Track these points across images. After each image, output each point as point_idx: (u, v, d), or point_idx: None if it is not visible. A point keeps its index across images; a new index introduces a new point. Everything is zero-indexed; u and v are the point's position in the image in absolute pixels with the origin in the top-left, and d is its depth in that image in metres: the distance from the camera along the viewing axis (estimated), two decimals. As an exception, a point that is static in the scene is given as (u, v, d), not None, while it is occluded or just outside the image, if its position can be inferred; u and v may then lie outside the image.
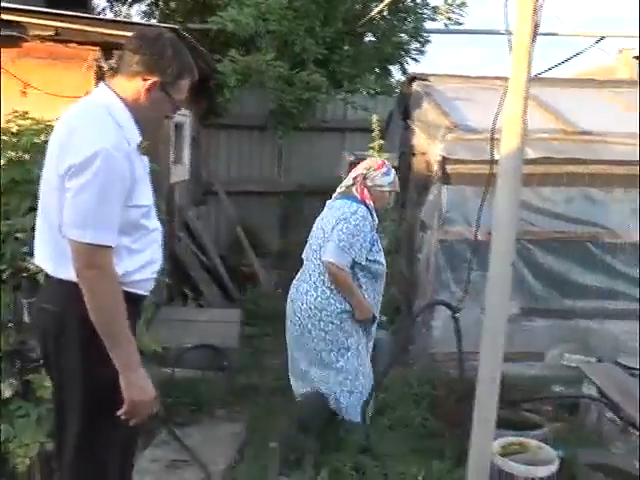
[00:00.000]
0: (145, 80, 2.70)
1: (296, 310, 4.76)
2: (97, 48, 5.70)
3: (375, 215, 4.72)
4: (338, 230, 4.52)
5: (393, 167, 4.97)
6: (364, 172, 4.70)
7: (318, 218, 4.93)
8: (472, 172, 5.94)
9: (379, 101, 10.18)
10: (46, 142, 2.95)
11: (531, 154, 5.66)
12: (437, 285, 5.93)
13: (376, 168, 4.72)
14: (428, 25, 11.58)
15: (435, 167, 6.07)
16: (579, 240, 6.02)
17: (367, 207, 4.66)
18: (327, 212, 4.83)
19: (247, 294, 8.29)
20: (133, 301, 2.78)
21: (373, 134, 6.85)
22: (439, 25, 11.85)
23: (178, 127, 8.14)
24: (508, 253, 3.63)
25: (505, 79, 3.62)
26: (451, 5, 11.65)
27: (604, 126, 6.32)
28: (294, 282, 4.90)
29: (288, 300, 4.87)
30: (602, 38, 9.53)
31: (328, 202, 4.96)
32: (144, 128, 2.79)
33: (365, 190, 4.69)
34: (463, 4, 11.69)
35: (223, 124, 9.80)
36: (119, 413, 2.66)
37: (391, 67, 11.88)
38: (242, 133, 10.21)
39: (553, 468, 4.14)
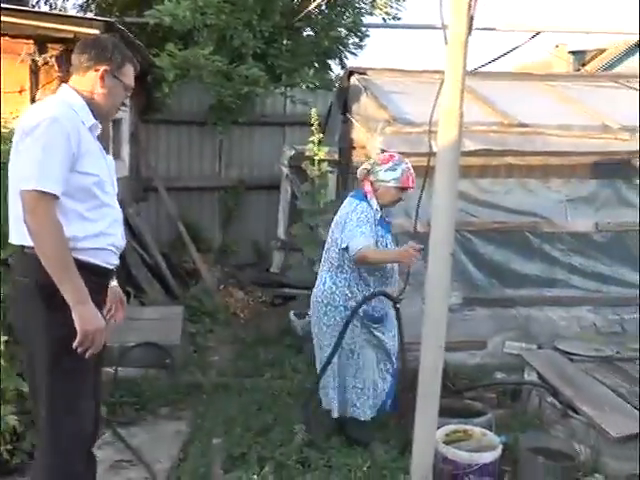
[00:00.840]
0: (97, 70, 3.12)
1: (312, 301, 4.89)
2: (31, 42, 5.58)
3: (380, 210, 4.72)
4: (347, 231, 4.56)
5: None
6: (368, 167, 4.73)
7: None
8: (411, 164, 5.99)
9: (318, 95, 10.20)
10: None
11: (470, 146, 5.72)
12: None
13: (380, 163, 4.73)
14: (366, 20, 11.62)
15: (375, 160, 6.10)
16: (518, 230, 6.10)
17: (368, 202, 4.67)
18: (340, 210, 4.84)
19: (189, 291, 8.23)
20: (93, 272, 3.07)
21: (313, 128, 6.84)
22: (377, 19, 11.89)
23: (116, 123, 8.03)
24: (447, 243, 3.68)
25: (442, 72, 3.66)
26: (389, 0, 11.67)
27: (540, 118, 6.42)
28: None
29: None
30: (538, 33, 9.71)
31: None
32: (102, 115, 3.21)
33: (367, 184, 4.71)
34: (401, -2, 11.74)
35: (162, 119, 9.72)
36: (75, 345, 2.91)
37: (330, 61, 11.89)
38: (181, 128, 10.13)
39: (496, 454, 4.22)
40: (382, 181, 4.68)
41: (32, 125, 2.91)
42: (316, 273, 6.96)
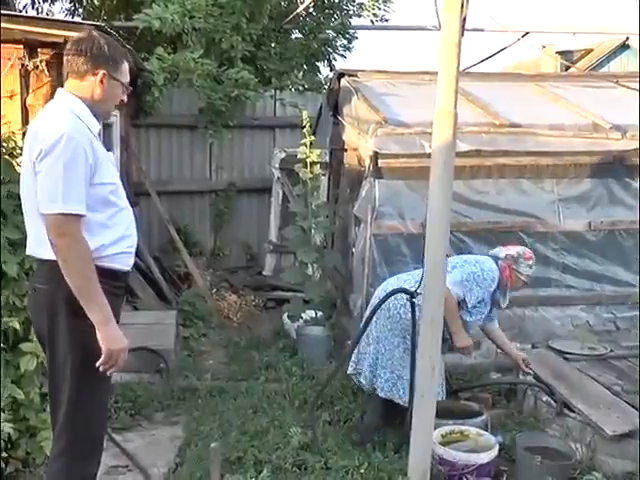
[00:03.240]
0: (95, 75, 3.09)
1: None
2: (21, 46, 5.55)
3: (502, 293, 5.08)
4: (472, 272, 4.89)
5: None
6: (516, 256, 5.06)
7: (460, 257, 5.23)
8: (404, 166, 6.01)
9: (308, 98, 10.20)
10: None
11: (462, 147, 5.74)
12: (373, 279, 5.96)
13: (525, 258, 5.08)
14: (354, 22, 11.64)
15: (367, 162, 6.12)
16: (511, 230, 6.12)
17: (502, 278, 5.01)
18: (472, 257, 5.20)
19: (182, 295, 8.21)
20: (114, 276, 3.13)
21: (304, 130, 6.84)
22: (365, 21, 11.91)
23: (107, 127, 8.00)
24: (442, 245, 3.69)
25: (432, 73, 3.67)
26: (377, 1, 11.70)
27: (532, 119, 6.45)
28: None
29: None
30: (526, 34, 9.76)
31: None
32: (103, 116, 3.26)
33: (508, 270, 5.03)
34: (389, 0, 11.77)
35: (152, 123, 9.68)
36: (98, 364, 2.96)
37: (318, 63, 11.90)
38: (172, 132, 10.10)
39: (493, 454, 4.23)
40: (520, 273, 5.05)
41: (49, 144, 2.89)
42: (309, 275, 7.01)
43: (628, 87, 7.35)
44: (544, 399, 4.98)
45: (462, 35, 3.52)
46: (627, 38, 14.90)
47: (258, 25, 9.98)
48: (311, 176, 6.77)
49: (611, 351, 5.66)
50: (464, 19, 3.50)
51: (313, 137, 6.94)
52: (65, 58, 3.13)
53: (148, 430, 5.20)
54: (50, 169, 2.89)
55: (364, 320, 4.79)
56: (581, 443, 4.47)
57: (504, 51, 11.01)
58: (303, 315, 6.90)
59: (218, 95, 9.13)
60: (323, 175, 7.64)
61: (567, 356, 5.52)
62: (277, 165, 9.53)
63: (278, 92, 10.15)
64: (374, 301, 4.93)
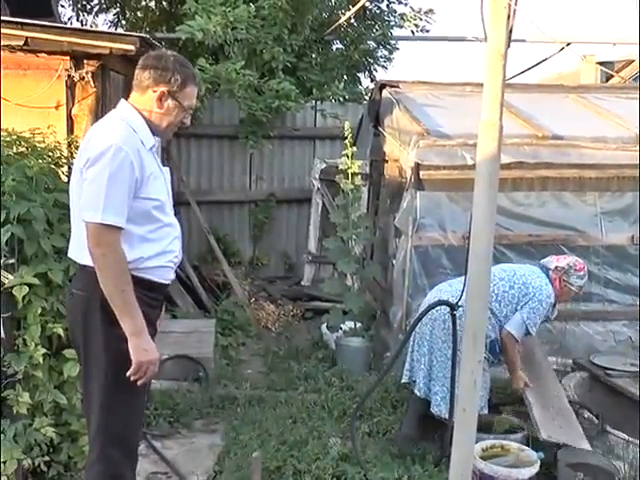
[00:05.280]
0: (155, 92, 3.16)
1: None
2: (67, 58, 5.63)
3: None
4: (530, 308, 4.90)
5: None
6: (566, 267, 5.06)
7: (514, 265, 5.30)
8: (445, 177, 5.99)
9: (348, 108, 10.21)
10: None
11: (504, 159, 5.69)
12: (413, 291, 5.95)
13: (577, 269, 5.08)
14: (395, 32, 11.62)
15: (408, 173, 6.10)
16: (552, 243, 6.06)
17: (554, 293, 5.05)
18: (527, 268, 5.16)
19: (221, 304, 8.25)
20: (150, 288, 3.18)
21: (345, 141, 6.84)
22: (406, 32, 11.89)
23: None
24: (486, 257, 3.65)
25: (474, 85, 3.65)
26: (418, 12, 11.69)
27: (574, 131, 6.39)
28: None
29: None
30: (568, 44, 9.67)
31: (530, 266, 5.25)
32: (160, 134, 3.27)
33: (558, 282, 5.04)
34: (430, 11, 11.74)
35: (193, 133, 9.74)
36: (128, 374, 3.02)
37: (359, 74, 11.90)
38: (212, 142, 10.16)
39: (534, 470, 4.18)
40: (571, 284, 5.06)
41: (97, 153, 2.97)
42: (348, 286, 7.00)
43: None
44: (586, 416, 4.91)
45: (508, 46, 3.50)
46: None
47: (299, 36, 10.02)
48: (352, 187, 6.77)
49: (654, 367, 5.57)
50: (510, 30, 3.48)
51: (354, 148, 6.95)
52: (135, 71, 3.22)
53: (187, 438, 5.23)
54: (95, 178, 2.96)
55: (408, 330, 4.78)
56: (624, 461, 4.40)
57: (544, 62, 10.94)
58: (342, 326, 6.89)
59: (259, 106, 9.18)
60: (363, 186, 7.64)
61: (609, 372, 5.44)
62: (317, 176, 9.54)
63: (319, 103, 10.16)
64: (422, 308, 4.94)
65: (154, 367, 3.11)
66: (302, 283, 9.57)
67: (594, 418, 4.87)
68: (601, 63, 14.85)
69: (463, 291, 3.92)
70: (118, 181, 2.95)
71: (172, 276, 3.36)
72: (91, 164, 2.98)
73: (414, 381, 5.03)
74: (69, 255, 3.29)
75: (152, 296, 3.22)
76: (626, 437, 4.55)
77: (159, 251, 3.19)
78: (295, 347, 7.26)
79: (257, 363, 6.99)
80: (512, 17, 3.51)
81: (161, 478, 4.57)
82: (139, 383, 3.09)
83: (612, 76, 13.62)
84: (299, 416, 5.39)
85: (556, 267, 5.05)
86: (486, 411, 4.82)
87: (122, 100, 3.27)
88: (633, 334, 6.19)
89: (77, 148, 5.03)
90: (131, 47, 5.58)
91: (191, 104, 3.28)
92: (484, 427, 4.38)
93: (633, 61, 15.74)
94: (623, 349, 6.08)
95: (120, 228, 2.98)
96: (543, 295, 4.91)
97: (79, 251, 3.13)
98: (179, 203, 9.48)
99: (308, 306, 8.75)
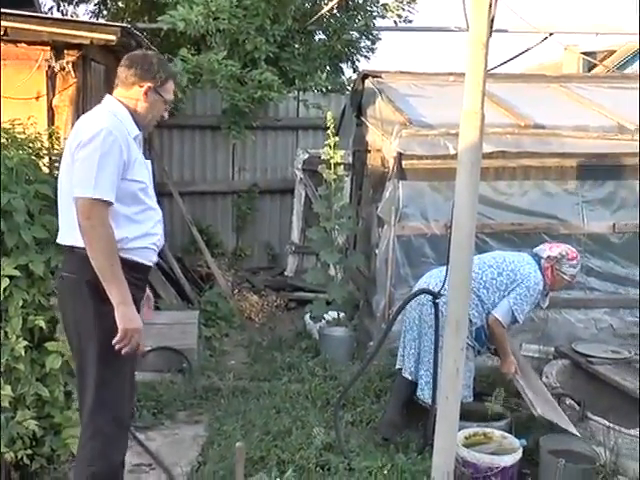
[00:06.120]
0: (141, 87, 3.41)
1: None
2: (48, 48, 5.59)
3: (543, 293, 5.09)
4: (517, 294, 4.89)
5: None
6: (559, 256, 5.05)
7: (498, 253, 5.24)
8: (428, 167, 6.00)
9: (331, 99, 10.20)
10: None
11: (486, 148, 5.70)
12: (396, 280, 5.96)
13: (569, 259, 5.06)
14: (378, 23, 11.62)
15: (391, 163, 6.10)
16: (535, 232, 6.09)
17: (545, 281, 5.03)
18: (518, 255, 5.15)
19: (204, 295, 8.23)
20: (135, 268, 3.36)
21: (328, 131, 6.83)
22: (389, 22, 11.89)
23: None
24: (468, 245, 3.67)
25: (457, 75, 3.65)
26: (401, 2, 11.67)
27: (556, 120, 6.41)
28: None
29: None
30: (550, 34, 9.69)
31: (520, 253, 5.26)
32: (144, 125, 3.49)
33: (550, 270, 5.03)
34: (413, 1, 11.72)
35: (176, 124, 9.69)
36: (114, 341, 3.18)
37: (342, 65, 11.90)
38: (195, 133, 10.12)
39: (517, 457, 4.21)
40: (563, 273, 5.05)
41: (89, 136, 3.18)
42: (331, 276, 7.01)
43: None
44: (567, 402, 4.94)
45: (490, 36, 3.51)
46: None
47: (282, 26, 9.99)
48: (335, 177, 6.76)
49: (635, 354, 5.61)
50: (492, 19, 3.49)
51: (337, 138, 6.94)
52: (118, 69, 3.46)
53: (171, 429, 5.23)
54: (87, 157, 3.17)
55: (390, 320, 4.80)
56: (605, 447, 4.44)
57: (527, 52, 10.94)
58: (325, 316, 6.90)
59: (241, 96, 9.15)
60: (346, 176, 7.64)
61: (591, 359, 5.48)
62: (300, 166, 9.52)
63: (301, 93, 10.15)
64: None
65: (138, 336, 3.24)
66: (285, 274, 9.56)
67: (576, 405, 4.90)
68: (584, 53, 14.90)
69: (445, 280, 3.94)
70: (108, 161, 3.16)
71: (155, 259, 3.54)
72: (83, 146, 3.18)
73: (405, 364, 5.05)
74: (59, 241, 3.42)
75: (137, 277, 3.39)
76: (607, 423, 4.57)
77: (144, 232, 3.38)
78: (278, 337, 7.26)
79: (241, 354, 6.99)
80: (494, 6, 3.52)
81: (145, 470, 4.56)
82: (124, 352, 3.22)
83: (595, 66, 13.67)
84: (283, 406, 5.39)
85: (548, 256, 5.05)
86: (471, 399, 4.84)
87: (107, 95, 3.49)
88: (615, 322, 6.23)
89: (58, 139, 5.03)
90: (112, 37, 5.55)
91: (171, 98, 3.55)
92: (468, 415, 4.40)
93: (615, 51, 15.81)
94: (605, 337, 6.12)
95: (110, 203, 3.17)
96: (531, 282, 4.91)
97: (69, 232, 3.29)
98: (162, 194, 9.41)
99: (291, 296, 8.75)
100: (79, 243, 3.20)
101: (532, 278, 4.92)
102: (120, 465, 3.53)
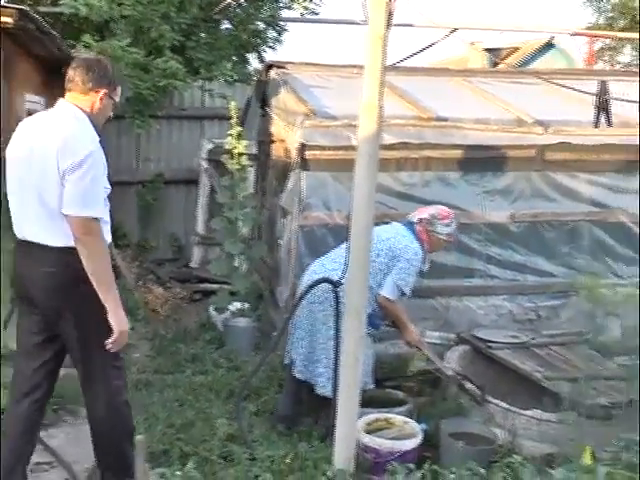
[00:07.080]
0: (97, 92, 3.62)
1: None
2: None
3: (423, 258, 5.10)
4: (399, 269, 4.92)
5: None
6: (429, 218, 5.11)
7: (379, 229, 5.00)
8: (330, 158, 6.03)
9: (237, 89, 10.15)
10: None
11: (388, 139, 5.79)
12: (299, 270, 5.98)
13: (440, 218, 5.13)
14: (285, 14, 11.62)
15: (294, 154, 6.11)
16: (435, 222, 6.19)
17: (423, 249, 5.07)
18: (391, 230, 5.17)
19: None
20: None
21: (232, 121, 6.80)
22: (296, 14, 11.89)
23: (31, 115, 7.79)
24: (366, 235, 3.72)
25: (361, 67, 3.69)
26: (308, -6, 11.68)
27: (458, 112, 6.53)
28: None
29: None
30: (454, 30, 9.86)
31: (392, 223, 5.35)
32: (99, 127, 3.65)
33: (425, 233, 5.08)
34: (319, -7, 11.76)
35: (77, 113, 9.48)
36: (109, 342, 3.49)
37: (248, 55, 11.84)
38: (97, 122, 9.91)
39: (417, 441, 4.30)
40: (438, 233, 5.11)
41: (80, 159, 3.36)
42: (235, 267, 6.98)
43: (556, 84, 7.47)
44: (468, 386, 5.07)
45: (388, 29, 3.55)
46: (552, 37, 15.19)
47: (187, 14, 9.86)
48: (238, 167, 6.74)
49: (532, 339, 5.80)
50: (390, 13, 3.53)
51: (241, 128, 6.91)
52: (71, 72, 3.64)
53: (73, 425, 5.11)
54: (81, 179, 3.38)
55: (290, 309, 4.81)
56: (503, 428, 4.57)
57: (433, 48, 11.10)
58: (230, 307, 6.89)
59: (146, 84, 8.97)
60: (251, 167, 7.62)
61: (490, 344, 5.63)
62: (205, 156, 9.46)
63: (207, 83, 10.07)
64: (301, 289, 4.95)
65: (127, 335, 3.58)
66: (191, 265, 9.49)
67: (476, 389, 5.03)
68: (489, 50, 15.24)
69: (346, 269, 3.96)
70: (99, 181, 3.46)
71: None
72: (75, 168, 3.37)
73: (293, 362, 5.04)
74: (30, 239, 3.55)
75: None
76: (505, 406, 4.72)
77: (109, 230, 3.67)
78: (183, 329, 7.19)
79: (145, 347, 6.88)
80: (392, 0, 3.57)
81: (45, 468, 4.45)
82: (114, 349, 3.55)
83: (498, 63, 14.01)
84: (186, 399, 5.35)
85: (420, 219, 5.11)
86: (372, 386, 4.90)
87: (61, 99, 3.67)
88: (514, 308, 6.41)
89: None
90: (8, 19, 5.39)
91: (118, 100, 3.80)
92: (370, 402, 4.47)
93: (519, 48, 16.25)
94: (504, 322, 6.29)
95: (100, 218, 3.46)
96: (409, 254, 4.96)
97: (47, 236, 3.48)
98: (63, 184, 9.25)
99: (197, 288, 8.69)
100: (58, 244, 3.44)
101: (410, 250, 4.97)
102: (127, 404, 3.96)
